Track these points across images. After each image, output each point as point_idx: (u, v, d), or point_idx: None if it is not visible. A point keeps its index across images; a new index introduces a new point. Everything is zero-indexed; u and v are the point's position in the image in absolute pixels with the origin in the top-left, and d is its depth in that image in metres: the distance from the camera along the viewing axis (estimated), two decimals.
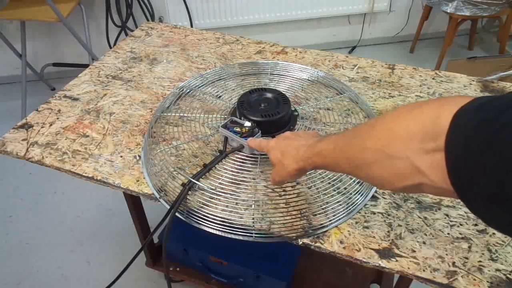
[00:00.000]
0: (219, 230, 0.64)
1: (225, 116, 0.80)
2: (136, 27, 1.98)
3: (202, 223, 0.65)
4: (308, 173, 0.69)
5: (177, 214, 0.65)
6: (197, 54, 1.05)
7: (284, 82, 0.90)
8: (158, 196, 0.68)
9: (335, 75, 0.96)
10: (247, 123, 0.70)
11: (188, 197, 0.66)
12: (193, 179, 0.66)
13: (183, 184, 0.66)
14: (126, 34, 2.17)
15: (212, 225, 0.64)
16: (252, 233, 0.62)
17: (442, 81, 0.93)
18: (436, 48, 2.46)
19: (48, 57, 2.30)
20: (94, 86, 0.95)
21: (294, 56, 1.03)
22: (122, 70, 1.00)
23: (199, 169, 0.69)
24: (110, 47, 2.22)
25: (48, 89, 2.33)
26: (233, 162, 0.69)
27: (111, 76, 0.98)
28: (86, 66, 1.05)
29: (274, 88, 0.82)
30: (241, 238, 0.63)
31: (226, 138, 0.72)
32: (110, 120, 0.85)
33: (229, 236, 0.63)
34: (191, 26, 2.27)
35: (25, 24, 2.03)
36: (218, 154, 0.70)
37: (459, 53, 2.52)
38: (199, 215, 0.65)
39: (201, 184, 0.66)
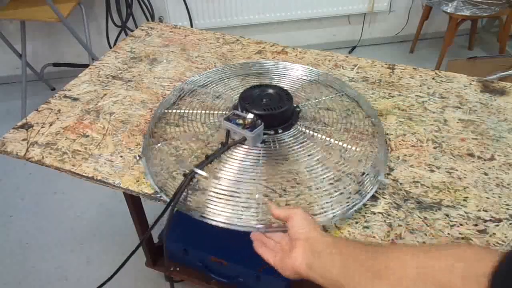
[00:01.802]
0: (222, 222, 0.62)
1: (226, 113, 0.80)
2: (136, 27, 1.98)
3: (203, 215, 0.63)
4: (308, 172, 0.68)
5: (178, 208, 0.64)
6: (197, 54, 1.05)
7: (284, 82, 0.90)
8: (159, 191, 0.68)
9: (335, 75, 0.96)
10: (250, 115, 0.69)
11: (188, 198, 0.66)
12: (194, 168, 0.64)
13: (184, 174, 0.65)
14: (126, 34, 2.17)
15: (214, 217, 0.63)
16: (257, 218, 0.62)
17: (442, 81, 0.93)
18: (436, 48, 2.46)
19: (48, 57, 2.30)
20: (94, 86, 0.95)
21: (294, 56, 1.03)
22: (122, 70, 1.00)
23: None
24: (110, 47, 2.22)
25: (48, 89, 2.33)
26: (235, 158, 0.68)
27: (111, 76, 0.98)
28: (86, 66, 1.05)
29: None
30: (244, 229, 0.61)
31: (228, 131, 0.70)
32: (110, 120, 0.85)
33: (231, 227, 0.62)
34: (191, 26, 2.27)
35: (25, 24, 2.03)
36: (221, 146, 0.69)
37: (459, 53, 2.52)
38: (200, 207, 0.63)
39: (203, 173, 0.64)
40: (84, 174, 0.73)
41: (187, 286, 1.36)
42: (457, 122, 0.82)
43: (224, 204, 0.64)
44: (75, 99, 0.91)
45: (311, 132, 0.74)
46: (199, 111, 0.83)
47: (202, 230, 1.16)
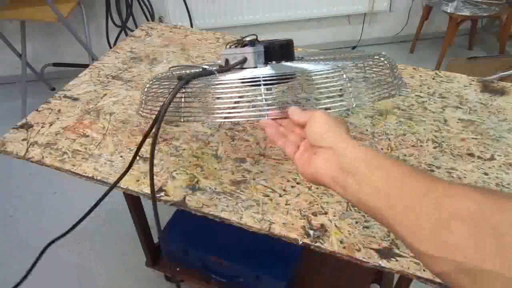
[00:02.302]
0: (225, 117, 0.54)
1: (227, 117, 0.80)
2: (136, 27, 1.98)
3: (204, 116, 0.55)
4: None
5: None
6: (197, 54, 1.05)
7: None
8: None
9: None
10: (248, 38, 0.62)
11: (188, 197, 0.66)
12: (188, 79, 0.55)
13: (179, 77, 0.54)
14: (126, 34, 2.17)
15: (217, 115, 0.54)
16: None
17: (442, 81, 0.93)
18: (436, 48, 2.46)
19: (48, 57, 2.30)
20: (94, 86, 0.95)
21: None
22: (122, 70, 1.00)
23: (199, 169, 0.69)
24: (110, 47, 2.22)
25: (48, 89, 2.33)
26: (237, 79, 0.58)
27: (111, 76, 0.98)
28: (86, 66, 1.05)
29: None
30: (252, 118, 0.53)
31: (227, 60, 0.62)
32: (110, 120, 0.85)
33: (239, 119, 0.52)
34: (191, 26, 2.27)
35: (25, 24, 2.03)
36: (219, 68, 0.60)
37: (459, 53, 2.52)
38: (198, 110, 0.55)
39: (207, 66, 0.57)
40: (84, 174, 0.73)
41: (187, 286, 1.36)
42: (457, 122, 0.82)
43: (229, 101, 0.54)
44: (75, 99, 0.91)
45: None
46: (199, 111, 0.83)
47: (202, 230, 1.16)
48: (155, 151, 0.74)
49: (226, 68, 0.60)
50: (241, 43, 0.61)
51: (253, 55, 0.60)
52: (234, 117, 0.52)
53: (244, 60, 0.60)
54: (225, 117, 0.52)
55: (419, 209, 0.33)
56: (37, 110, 0.88)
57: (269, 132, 0.50)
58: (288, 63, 0.64)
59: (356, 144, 0.41)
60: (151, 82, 0.64)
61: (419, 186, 0.34)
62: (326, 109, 0.52)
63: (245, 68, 0.60)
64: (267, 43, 0.64)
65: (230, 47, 0.63)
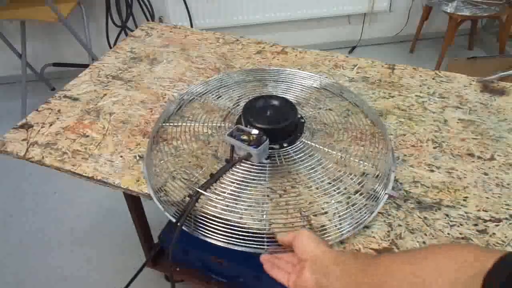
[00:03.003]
0: (227, 242, 0.63)
1: (227, 117, 0.80)
2: (136, 27, 1.98)
3: (210, 235, 0.63)
4: (308, 172, 0.68)
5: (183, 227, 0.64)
6: (197, 54, 1.05)
7: (288, 90, 0.87)
8: (161, 207, 0.67)
9: (335, 75, 0.96)
10: (254, 131, 0.68)
11: (188, 197, 0.66)
12: (200, 189, 0.63)
13: (189, 196, 0.64)
14: (126, 34, 2.17)
15: (220, 238, 0.63)
16: (264, 244, 0.61)
17: (442, 81, 0.93)
18: (436, 48, 2.46)
19: (48, 57, 2.30)
20: (94, 86, 0.95)
21: (294, 56, 1.03)
22: (122, 70, 1.00)
23: (200, 170, 0.69)
24: (110, 47, 2.22)
25: (48, 89, 2.33)
26: (240, 174, 0.67)
27: (111, 76, 0.98)
28: (86, 66, 1.05)
29: (279, 95, 0.79)
30: (252, 250, 0.62)
31: (232, 147, 0.69)
32: (110, 120, 0.85)
33: (239, 248, 0.62)
34: (191, 26, 2.27)
35: (25, 24, 2.03)
36: (225, 163, 0.68)
37: (459, 53, 2.52)
38: (206, 228, 0.63)
39: (208, 194, 0.64)
40: (84, 174, 0.73)
41: (187, 286, 1.36)
42: (457, 122, 0.82)
43: (229, 225, 0.63)
44: (75, 99, 0.91)
45: (318, 146, 0.72)
46: (199, 112, 0.83)
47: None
48: (155, 151, 0.75)
49: (231, 164, 0.67)
50: (249, 138, 0.68)
51: (258, 155, 0.67)
52: (236, 244, 0.63)
53: (249, 156, 0.67)
54: (228, 242, 0.63)
55: (361, 280, 0.46)
56: (37, 110, 0.88)
57: (266, 266, 0.60)
58: (291, 151, 0.72)
59: (331, 251, 0.53)
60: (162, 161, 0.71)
61: (359, 265, 0.48)
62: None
63: (248, 162, 0.68)
64: (271, 119, 0.72)
65: (235, 133, 0.69)
